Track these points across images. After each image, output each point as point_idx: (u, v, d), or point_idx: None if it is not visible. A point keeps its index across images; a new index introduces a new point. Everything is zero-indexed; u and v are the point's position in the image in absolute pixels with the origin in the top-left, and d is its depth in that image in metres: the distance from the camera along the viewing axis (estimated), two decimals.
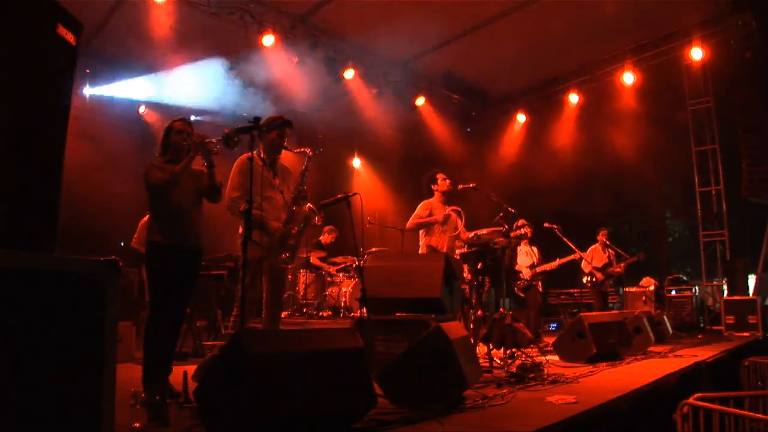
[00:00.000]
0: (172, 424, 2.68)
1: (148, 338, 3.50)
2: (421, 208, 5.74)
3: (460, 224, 5.71)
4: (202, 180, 3.75)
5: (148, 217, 3.75)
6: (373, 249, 8.27)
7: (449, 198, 5.82)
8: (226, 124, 7.86)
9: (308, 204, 4.25)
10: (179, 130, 3.71)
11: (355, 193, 4.23)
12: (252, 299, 4.02)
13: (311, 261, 8.30)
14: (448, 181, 5.78)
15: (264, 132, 4.15)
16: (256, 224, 3.83)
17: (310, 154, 4.25)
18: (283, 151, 4.27)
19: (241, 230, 3.87)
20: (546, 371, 4.21)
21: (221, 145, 3.62)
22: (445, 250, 5.57)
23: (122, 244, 7.30)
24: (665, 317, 7.12)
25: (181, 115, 3.91)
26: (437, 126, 11.19)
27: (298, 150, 4.25)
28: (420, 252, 5.77)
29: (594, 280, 8.22)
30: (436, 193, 5.81)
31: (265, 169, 4.12)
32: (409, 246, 5.98)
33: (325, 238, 8.71)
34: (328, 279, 8.38)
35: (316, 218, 4.29)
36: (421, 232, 5.78)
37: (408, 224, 5.81)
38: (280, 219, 4.11)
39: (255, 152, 3.88)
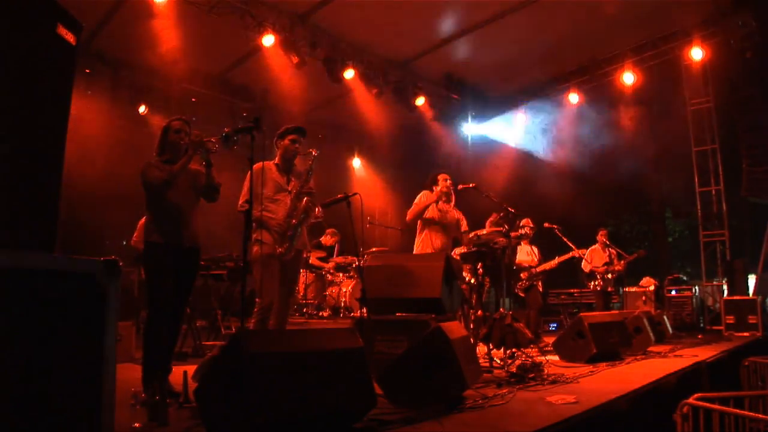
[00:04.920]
0: (172, 424, 2.68)
1: (148, 338, 3.50)
2: (418, 198, 5.61)
3: (456, 214, 5.68)
4: (200, 179, 3.74)
5: (146, 217, 3.75)
6: (373, 249, 8.27)
7: (448, 200, 5.75)
8: None
9: (306, 198, 4.25)
10: (177, 130, 3.70)
11: (355, 193, 4.24)
12: (268, 297, 4.06)
13: (311, 261, 8.30)
14: (448, 182, 5.72)
15: (278, 139, 4.37)
16: (262, 225, 4.05)
17: (315, 154, 4.31)
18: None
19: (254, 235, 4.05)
20: (546, 371, 4.21)
21: (220, 144, 3.63)
22: (442, 245, 5.51)
23: (124, 243, 7.31)
24: (665, 317, 7.12)
25: (178, 115, 3.91)
26: (437, 126, 11.20)
27: (306, 151, 4.34)
28: (416, 248, 5.70)
29: (598, 283, 8.19)
30: (436, 193, 5.75)
31: (279, 174, 4.27)
32: (409, 246, 5.95)
33: (327, 239, 8.71)
34: (329, 279, 8.38)
35: (317, 210, 4.29)
36: (418, 223, 5.70)
37: (407, 217, 5.65)
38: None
39: (272, 161, 4.28)
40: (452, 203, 5.69)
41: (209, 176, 3.71)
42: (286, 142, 4.31)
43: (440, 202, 5.56)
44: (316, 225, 4.62)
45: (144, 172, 3.56)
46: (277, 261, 4.09)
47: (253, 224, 4.08)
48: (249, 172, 4.13)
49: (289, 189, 4.27)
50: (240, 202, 4.14)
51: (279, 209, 4.17)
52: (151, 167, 3.57)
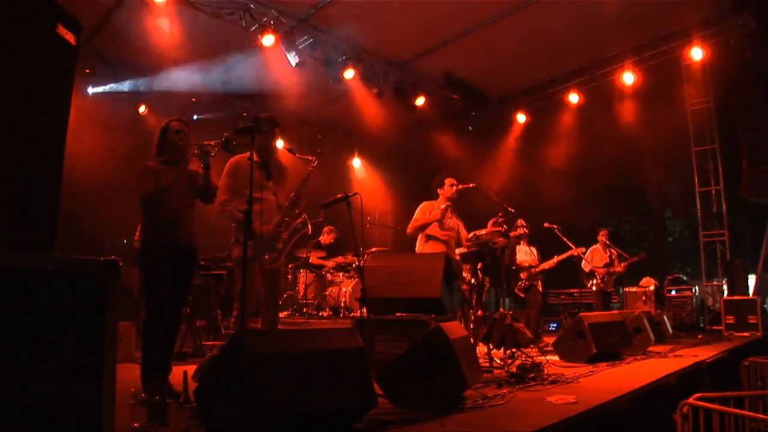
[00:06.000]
0: (172, 424, 2.68)
1: (146, 338, 3.51)
2: (419, 212, 5.63)
3: (457, 222, 5.68)
4: (197, 181, 3.75)
5: (142, 218, 3.75)
6: (373, 249, 8.26)
7: (453, 204, 5.72)
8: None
9: (304, 215, 4.23)
10: (176, 130, 3.72)
11: (355, 193, 4.23)
12: (249, 299, 4.02)
13: (311, 260, 8.30)
14: (455, 188, 5.60)
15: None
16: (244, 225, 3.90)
17: (315, 163, 4.26)
18: (288, 154, 4.34)
19: (233, 233, 4.00)
20: (546, 371, 4.22)
21: (219, 148, 3.63)
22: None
23: (125, 241, 7.30)
24: (665, 317, 7.12)
25: (178, 115, 3.91)
26: (437, 126, 11.19)
27: (305, 157, 4.27)
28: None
29: (598, 283, 8.19)
30: (441, 197, 5.72)
31: (257, 170, 4.08)
32: (409, 246, 5.95)
33: (325, 238, 8.71)
34: (329, 278, 8.38)
35: (308, 230, 4.27)
36: (420, 237, 5.69)
37: (408, 230, 5.68)
38: (271, 221, 4.11)
39: (248, 153, 3.97)
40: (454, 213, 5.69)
41: (207, 179, 3.71)
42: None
43: (444, 218, 5.53)
44: (314, 224, 4.58)
45: (136, 179, 3.57)
46: (258, 265, 4.03)
47: (233, 225, 4.05)
48: (228, 167, 4.11)
49: (269, 185, 4.16)
50: (218, 202, 3.98)
51: (263, 209, 4.02)
52: (144, 174, 3.57)
